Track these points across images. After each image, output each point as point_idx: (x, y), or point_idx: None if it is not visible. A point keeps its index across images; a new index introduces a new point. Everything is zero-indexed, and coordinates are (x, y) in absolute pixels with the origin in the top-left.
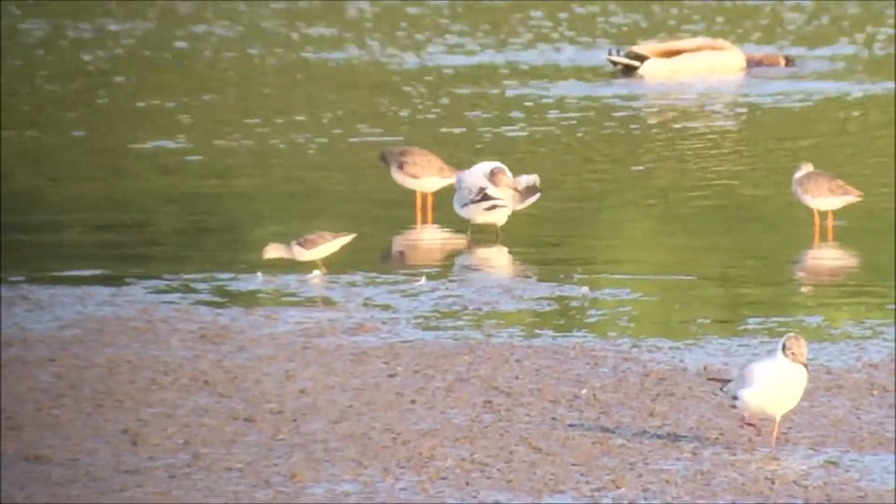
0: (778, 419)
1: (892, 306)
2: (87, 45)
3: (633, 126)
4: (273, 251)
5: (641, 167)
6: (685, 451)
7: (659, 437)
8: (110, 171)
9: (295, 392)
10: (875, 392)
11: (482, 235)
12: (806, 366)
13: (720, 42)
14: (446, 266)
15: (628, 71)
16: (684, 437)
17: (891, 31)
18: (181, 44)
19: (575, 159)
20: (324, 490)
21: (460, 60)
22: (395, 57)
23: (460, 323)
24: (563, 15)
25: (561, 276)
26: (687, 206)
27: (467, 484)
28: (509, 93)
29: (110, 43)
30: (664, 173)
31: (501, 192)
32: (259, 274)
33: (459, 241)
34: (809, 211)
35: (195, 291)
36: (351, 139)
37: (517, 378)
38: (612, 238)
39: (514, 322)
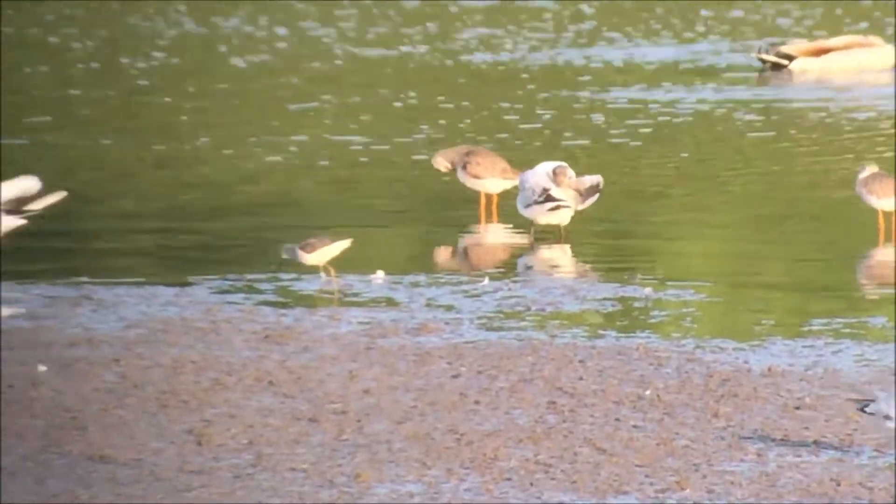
0: None
1: None
2: (138, 50)
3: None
4: (286, 253)
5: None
6: (750, 452)
7: (723, 438)
8: (175, 172)
9: (358, 392)
10: None
11: (546, 236)
12: None
13: (870, 39)
14: (510, 266)
15: (776, 69)
16: (749, 437)
17: None
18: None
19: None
20: (388, 490)
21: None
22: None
23: (524, 323)
24: (705, 13)
25: (625, 277)
26: (758, 206)
27: (531, 485)
28: (620, 95)
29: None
30: (749, 177)
31: (564, 193)
32: (322, 274)
33: (523, 241)
34: (874, 212)
35: (259, 292)
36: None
37: (581, 379)
38: (677, 238)
39: (578, 323)
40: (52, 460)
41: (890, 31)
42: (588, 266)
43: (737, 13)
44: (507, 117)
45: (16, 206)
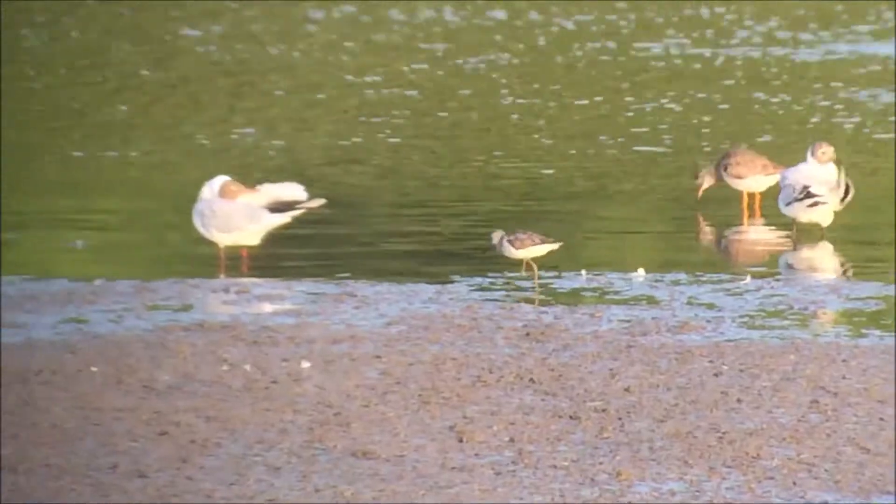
0: None
1: None
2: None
3: None
4: (494, 239)
5: None
6: None
7: None
8: (438, 170)
9: (619, 390)
10: None
11: (808, 234)
12: None
13: None
14: (772, 265)
15: None
16: None
17: None
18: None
19: None
20: (649, 489)
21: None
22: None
23: (786, 322)
24: None
25: (888, 275)
26: None
27: (794, 484)
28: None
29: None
30: None
31: (825, 190)
32: (583, 272)
33: (785, 239)
34: None
35: (519, 289)
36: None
37: (844, 378)
38: None
39: (841, 321)
40: (315, 456)
41: None
42: (850, 264)
43: None
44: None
45: (280, 207)
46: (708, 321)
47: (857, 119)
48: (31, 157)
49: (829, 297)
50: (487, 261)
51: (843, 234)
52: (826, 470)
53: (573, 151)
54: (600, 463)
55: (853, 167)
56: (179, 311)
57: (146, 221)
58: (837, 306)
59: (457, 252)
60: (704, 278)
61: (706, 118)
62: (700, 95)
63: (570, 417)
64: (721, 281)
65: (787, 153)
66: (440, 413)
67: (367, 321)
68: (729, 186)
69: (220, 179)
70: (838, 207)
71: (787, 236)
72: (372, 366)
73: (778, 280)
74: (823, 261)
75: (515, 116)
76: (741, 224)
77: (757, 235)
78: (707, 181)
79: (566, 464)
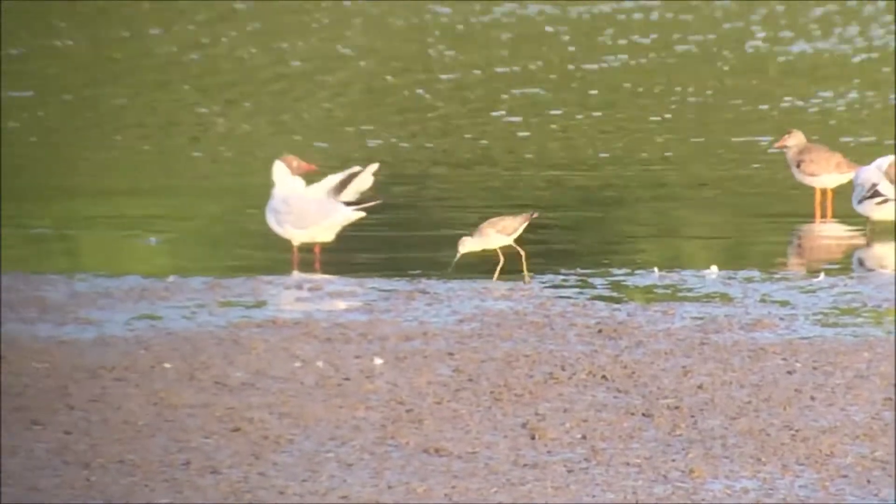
0: None
1: None
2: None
3: None
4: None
5: None
6: None
7: None
8: (508, 166)
9: (692, 387)
10: None
11: (883, 232)
12: None
13: None
14: (845, 262)
15: None
16: None
17: None
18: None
19: None
20: (722, 486)
21: None
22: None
23: (860, 320)
24: None
25: None
26: None
27: (868, 482)
28: None
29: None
30: None
31: (892, 188)
32: (656, 269)
33: (859, 237)
34: None
35: (592, 286)
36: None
37: None
38: None
39: None
40: (387, 453)
41: None
42: None
43: None
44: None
45: (354, 202)
46: (781, 318)
47: None
48: (105, 156)
49: None
50: (560, 257)
51: None
52: None
53: (642, 154)
54: (673, 460)
55: None
56: (252, 307)
57: (220, 219)
58: None
59: (530, 249)
60: (777, 275)
61: (807, 116)
62: (824, 94)
63: (643, 415)
64: (794, 278)
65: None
66: (512, 410)
67: (440, 318)
68: (802, 183)
69: (282, 159)
70: None
71: (861, 233)
72: (444, 363)
73: (851, 277)
74: None
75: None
76: (814, 221)
77: (830, 232)
78: (790, 142)
79: (639, 461)
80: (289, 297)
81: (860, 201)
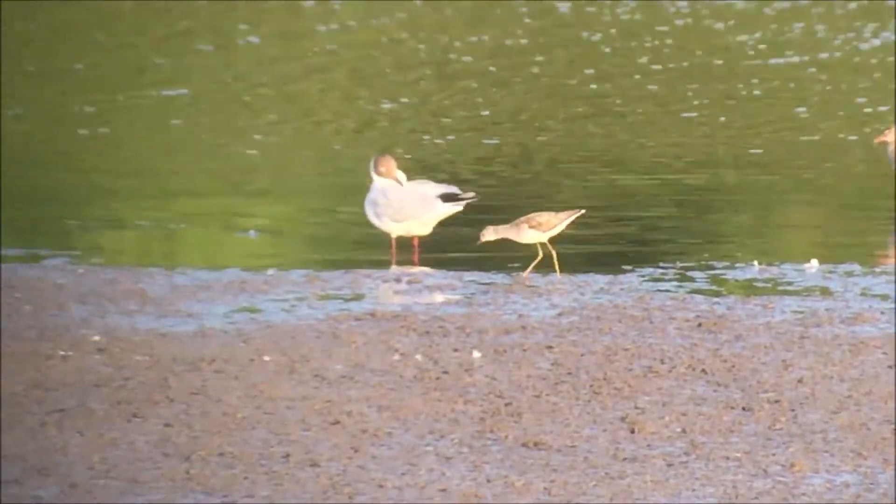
0: None
1: None
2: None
3: None
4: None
5: None
6: None
7: None
8: (611, 162)
9: (792, 381)
10: None
11: None
12: None
13: None
14: None
15: None
16: None
17: None
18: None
19: None
20: (822, 480)
21: None
22: None
23: None
24: None
25: None
26: None
27: None
28: None
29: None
30: None
31: None
32: (756, 263)
33: None
34: None
35: (691, 280)
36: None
37: None
38: None
39: None
40: (486, 446)
41: None
42: None
43: None
44: None
45: (450, 197)
46: (882, 312)
47: None
48: (205, 153)
49: None
50: (660, 251)
51: None
52: None
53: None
54: (773, 454)
55: None
56: (351, 300)
57: (318, 212)
58: None
59: (630, 242)
60: (878, 269)
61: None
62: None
63: (743, 409)
64: None
65: None
66: (612, 403)
67: (539, 312)
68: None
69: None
70: None
71: None
72: (543, 356)
73: None
74: None
75: (690, 113)
76: None
77: None
78: (892, 137)
79: (738, 455)
80: (387, 290)
81: None
